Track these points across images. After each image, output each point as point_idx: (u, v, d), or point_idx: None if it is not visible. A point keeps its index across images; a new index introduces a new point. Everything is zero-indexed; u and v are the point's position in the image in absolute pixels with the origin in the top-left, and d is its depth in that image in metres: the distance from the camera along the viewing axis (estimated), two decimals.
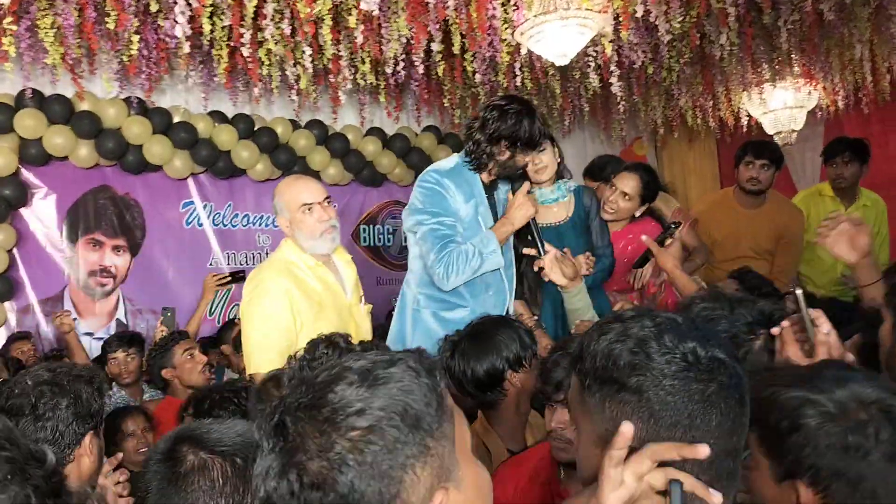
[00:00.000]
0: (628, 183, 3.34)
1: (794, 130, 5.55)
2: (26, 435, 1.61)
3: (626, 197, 3.33)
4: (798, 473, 1.12)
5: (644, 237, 2.90)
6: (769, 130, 5.66)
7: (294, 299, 2.66)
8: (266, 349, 2.62)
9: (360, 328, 2.91)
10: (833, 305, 3.33)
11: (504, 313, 2.86)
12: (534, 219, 2.83)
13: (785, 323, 1.52)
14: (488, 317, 2.31)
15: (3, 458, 0.91)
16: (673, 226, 3.02)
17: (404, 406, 0.89)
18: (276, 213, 2.83)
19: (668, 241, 2.89)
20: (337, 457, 0.86)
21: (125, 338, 3.91)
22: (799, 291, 1.54)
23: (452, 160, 2.94)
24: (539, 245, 2.82)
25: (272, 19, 3.60)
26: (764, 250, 4.32)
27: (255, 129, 5.30)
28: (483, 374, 2.10)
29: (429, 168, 2.94)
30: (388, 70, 4.22)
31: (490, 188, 2.92)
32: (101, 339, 4.73)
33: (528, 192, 2.83)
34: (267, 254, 5.37)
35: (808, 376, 1.18)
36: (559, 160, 3.19)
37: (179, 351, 3.47)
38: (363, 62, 4.28)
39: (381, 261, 5.98)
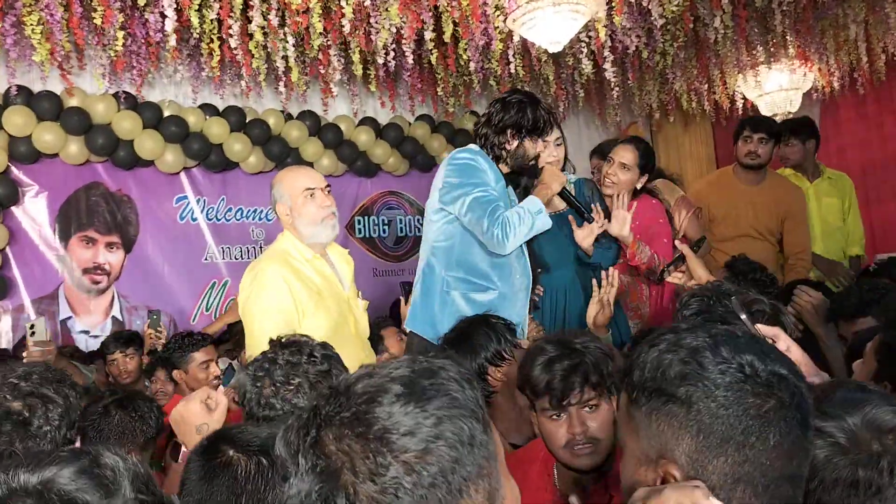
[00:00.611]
0: (625, 154, 3.42)
1: (789, 112, 5.51)
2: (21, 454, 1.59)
3: (625, 168, 3.41)
4: None
5: (677, 242, 3.03)
6: (765, 113, 5.62)
7: (293, 288, 2.63)
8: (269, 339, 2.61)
9: (359, 323, 2.91)
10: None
11: (528, 297, 2.95)
12: (566, 189, 2.99)
13: None
14: (465, 319, 2.30)
15: (140, 501, 0.95)
16: (703, 240, 3.21)
17: (459, 423, 0.83)
18: (274, 203, 2.79)
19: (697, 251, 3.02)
20: (392, 481, 0.80)
21: (122, 338, 3.87)
22: (744, 316, 1.46)
23: (475, 147, 2.99)
24: (581, 208, 3.03)
25: (260, 10, 3.55)
26: (766, 229, 4.30)
27: (247, 121, 5.25)
28: None
29: (457, 150, 3.00)
30: (380, 60, 4.17)
31: (506, 179, 2.98)
32: (98, 336, 4.73)
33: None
34: (261, 248, 5.34)
35: (816, 398, 1.08)
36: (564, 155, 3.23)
37: (199, 359, 3.40)
38: (354, 52, 4.23)
39: (377, 252, 5.94)
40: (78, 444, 1.74)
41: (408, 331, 3.02)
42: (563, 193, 2.98)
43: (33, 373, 1.73)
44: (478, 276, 2.87)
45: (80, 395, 1.79)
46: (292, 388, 1.75)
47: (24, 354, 3.08)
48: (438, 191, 2.91)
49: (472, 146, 2.99)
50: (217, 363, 3.53)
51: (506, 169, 2.96)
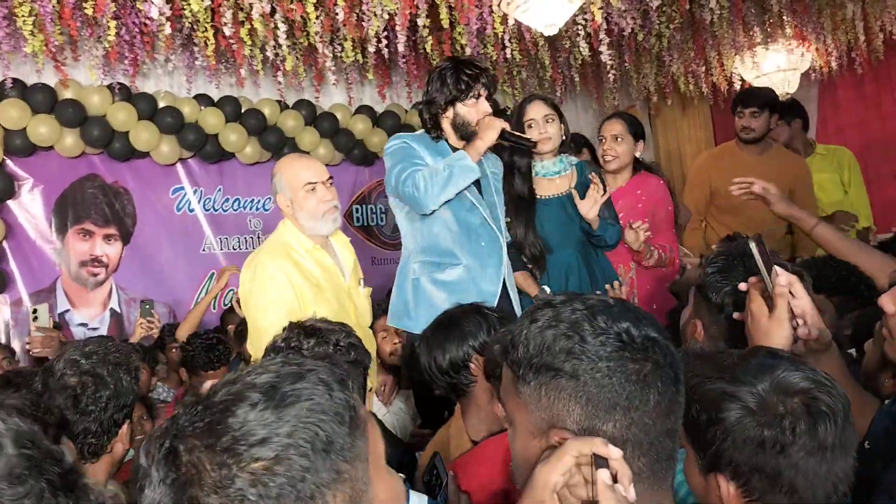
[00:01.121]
0: (614, 127, 3.51)
1: (787, 93, 5.50)
2: (68, 426, 1.65)
3: (618, 139, 3.47)
4: (719, 466, 1.13)
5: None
6: None
7: (294, 281, 2.63)
8: (274, 332, 2.59)
9: (360, 312, 2.90)
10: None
11: (502, 262, 2.88)
12: (504, 129, 2.81)
13: (752, 279, 1.51)
14: (459, 306, 2.27)
15: (23, 456, 0.93)
16: None
17: (314, 429, 0.82)
18: (274, 192, 2.76)
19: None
20: (237, 493, 0.79)
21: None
22: (752, 243, 1.49)
23: (418, 132, 2.97)
24: (523, 143, 2.89)
25: None
26: None
27: (242, 111, 5.23)
28: (448, 365, 2.04)
29: (389, 143, 2.95)
30: (372, 48, 4.13)
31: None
32: (96, 329, 4.73)
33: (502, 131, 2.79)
34: (259, 237, 5.33)
35: (731, 366, 1.17)
36: (564, 136, 3.20)
37: (209, 379, 3.37)
38: (346, 39, 4.20)
39: (375, 240, 5.94)
40: (126, 427, 1.77)
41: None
42: (503, 136, 2.81)
43: (95, 352, 1.78)
44: (441, 255, 2.83)
45: (135, 380, 1.83)
46: None
47: (27, 341, 3.10)
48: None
49: (413, 133, 2.98)
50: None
51: (458, 141, 2.88)
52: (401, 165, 2.77)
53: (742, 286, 1.53)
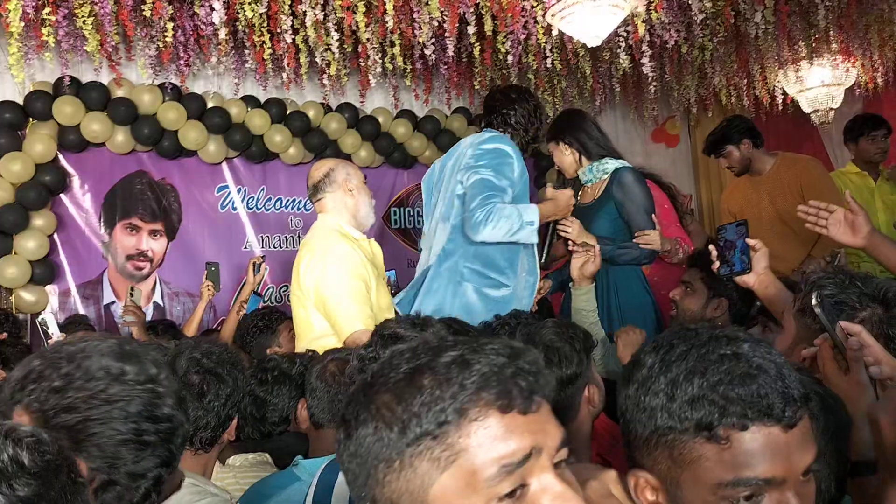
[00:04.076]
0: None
1: (831, 109, 5.45)
2: (191, 420, 1.68)
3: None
4: None
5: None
6: (806, 109, 5.57)
7: (363, 261, 2.75)
8: (362, 304, 2.62)
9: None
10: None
11: (533, 293, 2.96)
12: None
13: (818, 340, 1.44)
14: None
15: None
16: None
17: None
18: (332, 181, 2.87)
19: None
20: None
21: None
22: (815, 302, 1.38)
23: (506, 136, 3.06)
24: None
25: (310, 5, 3.62)
26: (789, 216, 4.13)
27: (287, 112, 5.34)
28: None
29: (495, 138, 2.98)
30: (427, 52, 4.17)
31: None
32: None
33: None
34: (299, 237, 5.43)
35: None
36: (576, 152, 3.22)
37: (286, 331, 3.33)
38: (392, 45, 4.28)
39: (412, 243, 6.00)
40: (235, 421, 1.87)
41: None
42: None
43: (214, 352, 1.87)
44: (494, 271, 2.86)
45: (245, 378, 1.92)
46: None
47: (122, 312, 3.57)
48: (463, 171, 2.92)
49: (503, 136, 3.02)
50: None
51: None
52: (489, 176, 2.81)
53: (805, 352, 1.50)
